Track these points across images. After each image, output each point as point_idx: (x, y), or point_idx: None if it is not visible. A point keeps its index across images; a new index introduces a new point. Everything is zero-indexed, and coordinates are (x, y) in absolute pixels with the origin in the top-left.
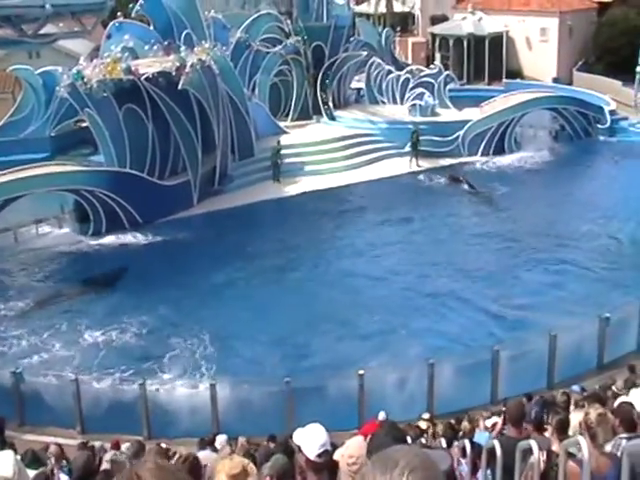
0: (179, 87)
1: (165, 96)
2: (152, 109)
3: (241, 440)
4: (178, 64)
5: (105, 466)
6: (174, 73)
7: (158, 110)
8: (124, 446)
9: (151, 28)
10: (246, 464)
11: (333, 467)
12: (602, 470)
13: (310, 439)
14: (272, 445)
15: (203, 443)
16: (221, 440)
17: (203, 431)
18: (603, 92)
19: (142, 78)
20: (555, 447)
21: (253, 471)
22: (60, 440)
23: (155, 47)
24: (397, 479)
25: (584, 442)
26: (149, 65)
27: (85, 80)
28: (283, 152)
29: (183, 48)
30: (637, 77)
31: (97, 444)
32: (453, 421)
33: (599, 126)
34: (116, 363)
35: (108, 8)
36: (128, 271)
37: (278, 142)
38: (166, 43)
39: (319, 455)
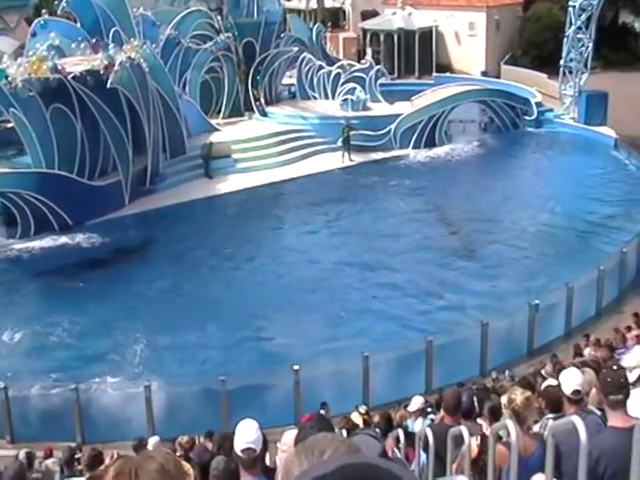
0: (108, 86)
1: (94, 95)
2: (80, 108)
3: (179, 440)
4: (106, 62)
5: (35, 475)
6: (102, 71)
7: (87, 109)
8: (56, 453)
9: (78, 25)
10: (184, 465)
11: (266, 468)
12: (529, 450)
13: (238, 435)
14: (208, 443)
15: (137, 446)
16: (154, 442)
17: (139, 433)
18: (529, 85)
19: (69, 77)
20: (488, 432)
21: (189, 471)
22: None
23: (82, 45)
24: None
25: (512, 425)
26: (76, 63)
27: (9, 79)
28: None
29: (111, 46)
30: (561, 70)
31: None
32: (388, 412)
33: (526, 118)
34: (44, 367)
35: (31, 5)
36: (59, 272)
37: (211, 143)
38: (94, 41)
39: (242, 451)
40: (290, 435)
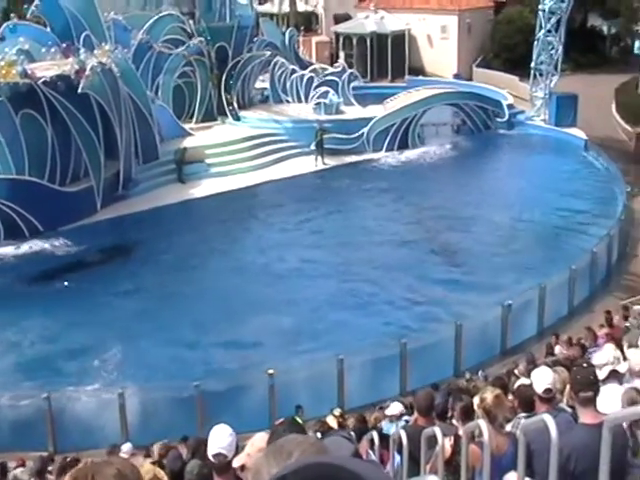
0: (79, 91)
1: (64, 100)
2: (51, 114)
3: (155, 447)
4: (77, 67)
5: None
6: (73, 76)
7: (57, 115)
8: (28, 463)
9: (48, 30)
10: (157, 471)
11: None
12: (501, 449)
13: (210, 440)
14: (183, 449)
15: (111, 453)
16: (126, 449)
17: (113, 441)
18: (501, 87)
19: (39, 82)
20: (461, 433)
21: (163, 477)
22: None
23: (53, 50)
24: None
25: (484, 425)
26: (47, 68)
27: None
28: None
29: (82, 50)
30: (532, 73)
31: None
32: (362, 414)
33: (498, 120)
34: (15, 375)
35: None
36: (30, 278)
37: (185, 147)
38: (64, 45)
39: (214, 456)
40: (261, 437)
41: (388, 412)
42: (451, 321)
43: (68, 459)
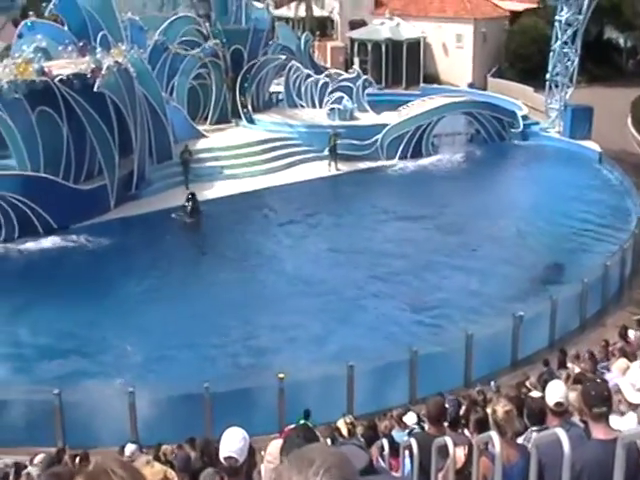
0: (95, 89)
1: (80, 98)
2: (67, 112)
3: (164, 448)
4: (93, 66)
5: None
6: (89, 75)
7: (73, 113)
8: (37, 459)
9: (65, 28)
10: (167, 471)
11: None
12: (511, 460)
13: (222, 442)
14: (190, 450)
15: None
16: (131, 450)
17: (122, 439)
18: (516, 98)
19: (56, 80)
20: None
21: (174, 477)
22: None
23: (69, 48)
24: (312, 478)
25: (496, 437)
26: (63, 66)
27: None
28: (200, 156)
29: (99, 50)
30: (547, 84)
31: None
32: (373, 421)
33: (512, 130)
34: (26, 371)
35: (19, 6)
36: (37, 276)
37: (186, 146)
38: (81, 44)
39: (224, 459)
40: (276, 445)
41: (406, 419)
42: (462, 330)
43: (77, 456)
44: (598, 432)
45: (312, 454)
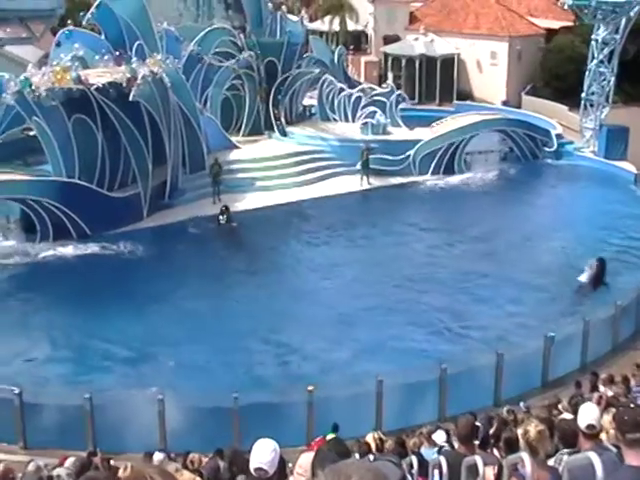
0: (130, 99)
1: (115, 107)
2: (102, 120)
3: (192, 456)
4: (129, 75)
5: None
6: (125, 84)
7: (108, 121)
8: (68, 462)
9: (102, 37)
10: (195, 479)
11: None
12: None
13: (253, 453)
14: (219, 460)
15: (146, 459)
16: (158, 458)
17: (150, 446)
18: (550, 116)
19: (92, 88)
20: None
21: None
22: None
23: (106, 57)
24: None
25: (527, 458)
26: (99, 75)
27: (33, 88)
28: (233, 167)
29: (134, 59)
30: (582, 103)
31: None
32: (401, 438)
33: (546, 149)
34: (56, 376)
35: (58, 15)
36: (72, 282)
37: (216, 160)
38: (117, 53)
39: (254, 470)
40: (306, 458)
41: (435, 437)
42: (492, 350)
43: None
44: (632, 458)
45: (349, 469)
